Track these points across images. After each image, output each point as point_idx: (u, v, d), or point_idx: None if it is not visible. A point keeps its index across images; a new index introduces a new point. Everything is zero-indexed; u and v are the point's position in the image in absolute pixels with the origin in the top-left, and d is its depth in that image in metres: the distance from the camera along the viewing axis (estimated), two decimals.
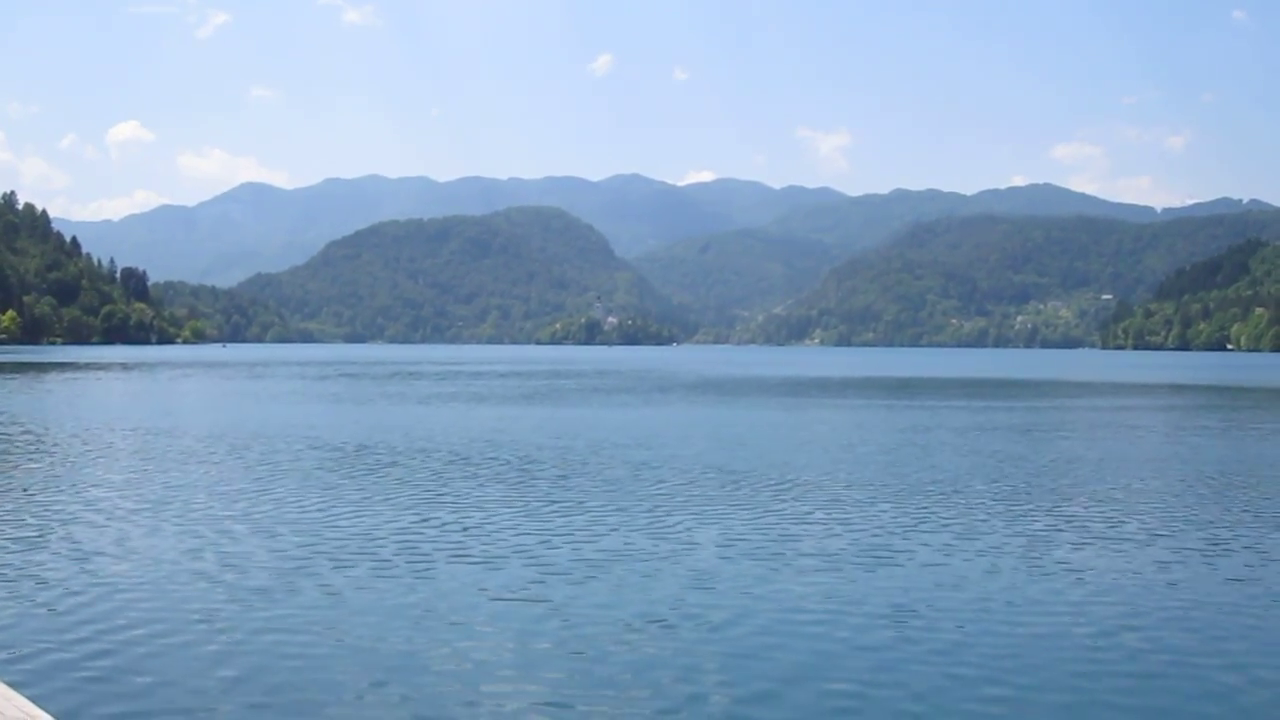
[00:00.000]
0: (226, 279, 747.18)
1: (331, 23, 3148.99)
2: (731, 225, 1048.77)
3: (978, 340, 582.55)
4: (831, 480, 25.11)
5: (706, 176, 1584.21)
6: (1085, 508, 21.45)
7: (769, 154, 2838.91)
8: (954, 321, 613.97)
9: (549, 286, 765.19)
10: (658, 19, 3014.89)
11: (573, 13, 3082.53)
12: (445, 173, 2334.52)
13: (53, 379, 79.66)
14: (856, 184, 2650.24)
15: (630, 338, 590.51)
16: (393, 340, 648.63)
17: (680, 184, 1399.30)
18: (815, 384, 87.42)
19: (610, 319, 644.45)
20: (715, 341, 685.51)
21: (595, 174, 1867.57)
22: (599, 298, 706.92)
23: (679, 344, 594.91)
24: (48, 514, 19.33)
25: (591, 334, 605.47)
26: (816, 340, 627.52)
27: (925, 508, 21.19)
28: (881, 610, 13.26)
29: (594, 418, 46.12)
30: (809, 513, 20.49)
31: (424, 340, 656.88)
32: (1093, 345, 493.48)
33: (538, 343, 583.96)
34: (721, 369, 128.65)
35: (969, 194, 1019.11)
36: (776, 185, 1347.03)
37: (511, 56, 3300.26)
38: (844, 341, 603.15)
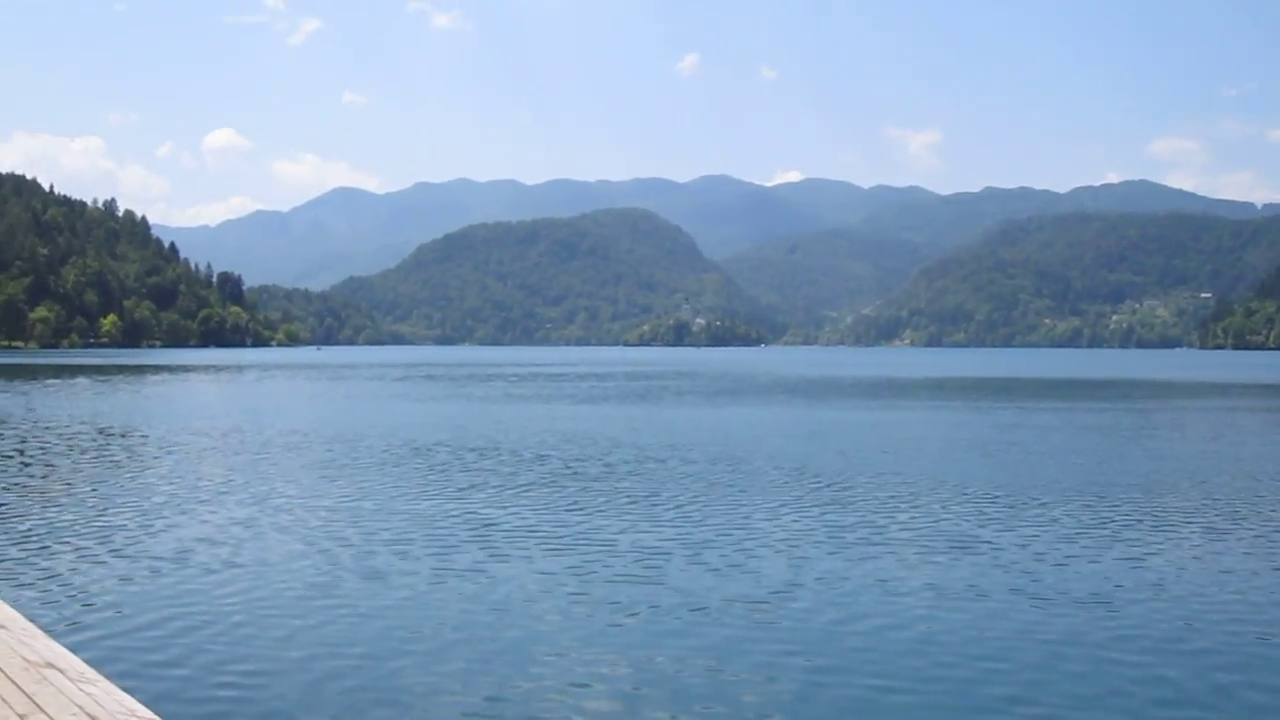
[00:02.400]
0: (319, 282, 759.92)
1: (420, 28, 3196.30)
2: (820, 225, 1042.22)
3: (1071, 340, 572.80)
4: (910, 477, 24.79)
5: (794, 176, 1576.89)
6: (1177, 509, 21.07)
7: (857, 153, 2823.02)
8: (1047, 321, 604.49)
9: (637, 288, 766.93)
10: (744, 17, 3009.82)
11: (659, 13, 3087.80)
12: (533, 176, 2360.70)
13: (152, 380, 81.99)
14: (947, 182, 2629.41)
15: (718, 339, 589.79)
16: (482, 342, 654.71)
17: (768, 184, 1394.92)
18: (905, 385, 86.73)
19: (698, 320, 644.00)
20: (804, 343, 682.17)
21: (683, 175, 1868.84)
22: (687, 299, 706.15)
23: (767, 345, 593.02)
24: (145, 510, 19.84)
25: (679, 336, 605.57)
26: (906, 341, 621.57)
27: (1007, 505, 20.88)
28: (954, 599, 13.15)
29: (677, 417, 46.11)
30: (888, 508, 20.26)
31: (513, 342, 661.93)
32: (1191, 345, 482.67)
33: (626, 344, 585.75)
34: (809, 369, 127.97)
35: (1062, 192, 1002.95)
36: (865, 184, 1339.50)
37: (598, 58, 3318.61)
38: (934, 342, 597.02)
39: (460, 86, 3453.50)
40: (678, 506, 20.69)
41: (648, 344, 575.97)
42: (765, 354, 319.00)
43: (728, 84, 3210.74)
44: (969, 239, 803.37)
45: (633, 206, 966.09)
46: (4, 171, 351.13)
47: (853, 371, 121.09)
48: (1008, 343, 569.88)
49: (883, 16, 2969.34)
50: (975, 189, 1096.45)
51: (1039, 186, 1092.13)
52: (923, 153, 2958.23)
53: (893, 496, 22.17)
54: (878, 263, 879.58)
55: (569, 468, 26.90)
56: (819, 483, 24.07)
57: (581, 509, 20.30)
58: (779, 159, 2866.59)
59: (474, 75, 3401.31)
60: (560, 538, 17.30)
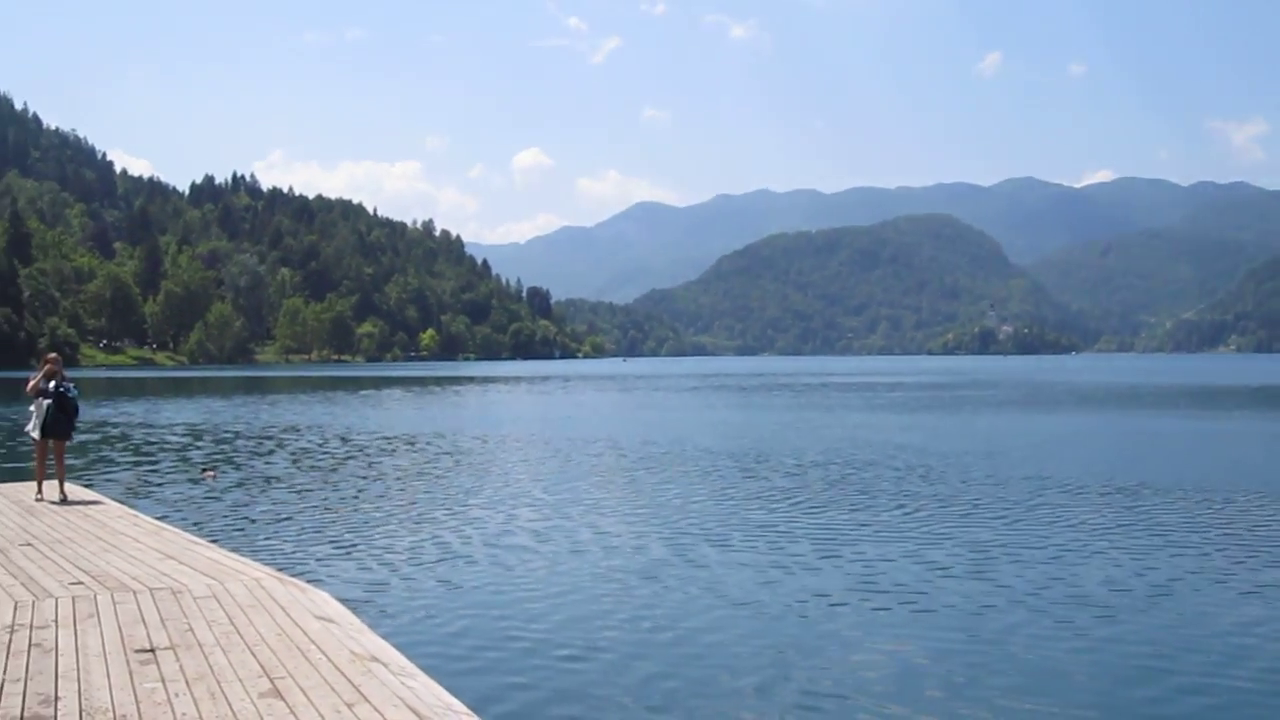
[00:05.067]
0: (623, 295, 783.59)
1: (718, 40, 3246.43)
2: (1134, 226, 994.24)
3: None
4: (1220, 488, 22.80)
5: (1105, 176, 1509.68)
6: None
7: (1174, 148, 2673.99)
8: None
9: (940, 296, 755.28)
10: (1049, 11, 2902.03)
11: (958, 12, 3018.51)
12: (832, 184, 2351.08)
13: (460, 391, 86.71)
14: (1277, 176, 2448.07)
15: (1026, 347, 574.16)
16: (782, 352, 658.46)
17: (1077, 185, 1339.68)
18: (1232, 393, 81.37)
19: (1004, 328, 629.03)
20: (1118, 350, 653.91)
21: (986, 179, 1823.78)
22: (992, 306, 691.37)
23: (1078, 353, 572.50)
24: (455, 512, 20.41)
25: (985, 344, 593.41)
26: (1232, 347, 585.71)
27: None
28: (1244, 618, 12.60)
29: (964, 425, 44.51)
30: (1192, 517, 18.72)
31: (814, 352, 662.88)
32: None
33: (929, 353, 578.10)
34: (1125, 377, 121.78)
35: None
36: (1184, 182, 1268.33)
37: (896, 61, 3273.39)
38: (1264, 348, 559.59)
39: (757, 97, 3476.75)
40: (963, 512, 20.03)
41: (952, 353, 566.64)
42: (1076, 362, 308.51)
43: (1033, 82, 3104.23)
44: None
45: (935, 212, 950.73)
46: (333, 197, 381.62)
47: (1173, 379, 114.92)
48: None
49: (1200, 1, 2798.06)
50: None
51: None
52: (1248, 145, 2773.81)
53: (1198, 505, 20.67)
54: (1200, 264, 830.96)
55: (842, 473, 26.48)
56: (1120, 491, 22.74)
57: (860, 513, 19.81)
58: (1089, 158, 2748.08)
59: (771, 84, 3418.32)
60: (843, 540, 17.08)
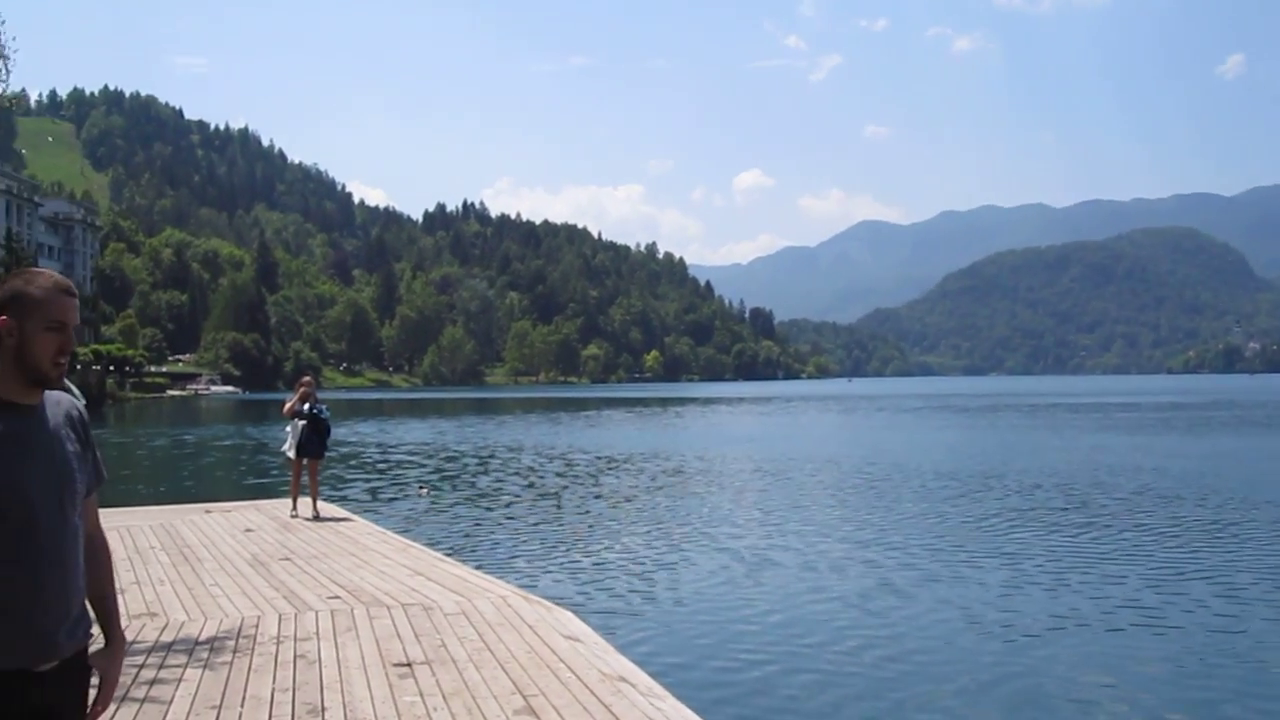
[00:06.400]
0: (846, 315, 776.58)
1: (941, 53, 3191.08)
2: None
3: None
4: None
5: None
6: None
7: None
8: None
9: (1179, 312, 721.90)
10: None
11: (1196, 13, 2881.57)
12: (1062, 198, 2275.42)
13: (680, 412, 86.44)
14: None
15: (1276, 365, 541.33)
16: (1011, 372, 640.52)
17: None
18: None
19: (1251, 344, 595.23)
20: None
21: (1229, 188, 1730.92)
22: (1238, 322, 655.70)
23: None
24: (686, 532, 20.12)
25: (1230, 362, 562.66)
26: None
27: None
28: None
29: (1222, 447, 41.80)
30: None
31: (1044, 372, 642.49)
32: None
33: (1169, 372, 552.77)
34: None
35: None
36: None
37: (1129, 67, 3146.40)
38: None
39: (982, 110, 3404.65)
40: (1200, 535, 19.11)
41: (1194, 371, 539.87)
42: None
43: None
44: None
45: (1174, 225, 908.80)
46: (559, 222, 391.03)
47: None
48: None
49: None
50: None
51: None
52: None
53: None
54: None
55: (1070, 494, 25.55)
56: None
57: (1090, 535, 18.93)
58: None
59: (996, 96, 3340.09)
60: (1073, 561, 16.57)
